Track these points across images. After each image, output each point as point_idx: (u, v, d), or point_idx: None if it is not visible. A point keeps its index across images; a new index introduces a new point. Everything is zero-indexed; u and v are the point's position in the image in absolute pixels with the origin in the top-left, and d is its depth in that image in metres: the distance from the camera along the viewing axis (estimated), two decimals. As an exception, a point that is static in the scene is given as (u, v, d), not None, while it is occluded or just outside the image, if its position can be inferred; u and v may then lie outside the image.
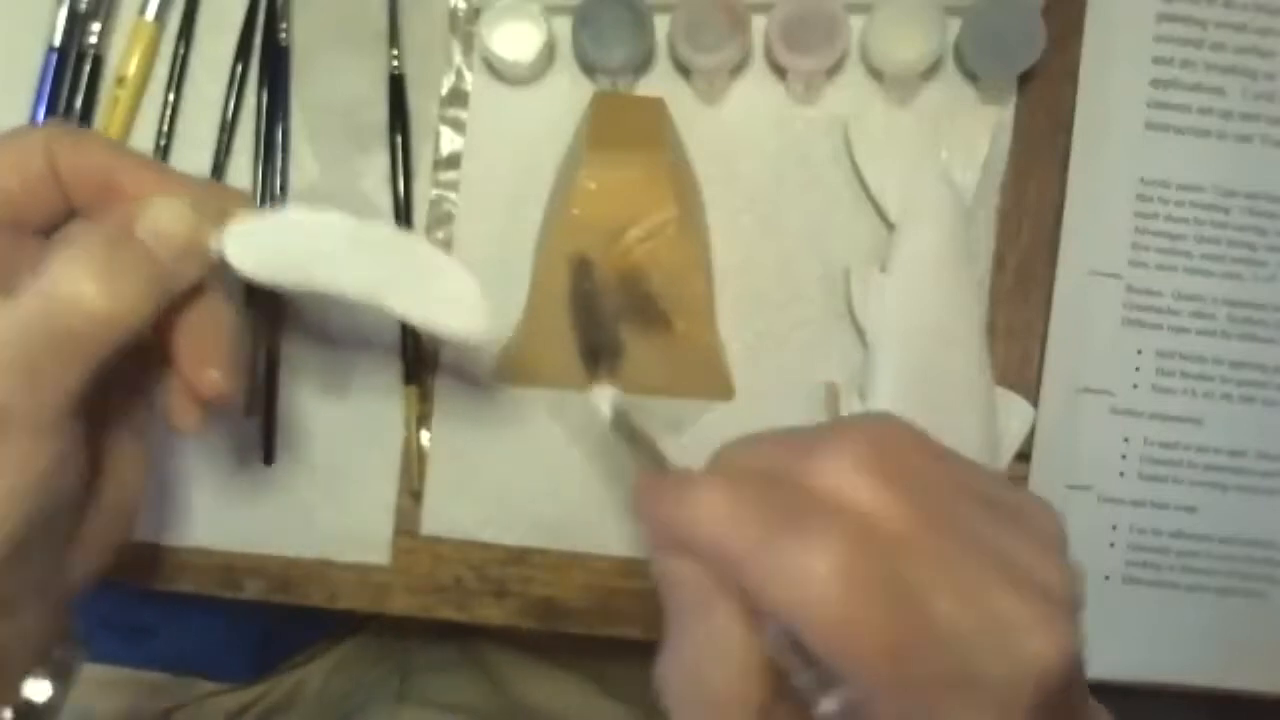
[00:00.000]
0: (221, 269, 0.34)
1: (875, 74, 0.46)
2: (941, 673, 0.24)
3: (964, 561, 0.25)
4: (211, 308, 0.34)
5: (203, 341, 0.34)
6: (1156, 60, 0.46)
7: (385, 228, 0.34)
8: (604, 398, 0.34)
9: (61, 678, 0.36)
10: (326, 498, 0.46)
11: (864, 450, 0.26)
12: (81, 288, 0.30)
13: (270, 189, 0.47)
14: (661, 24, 0.45)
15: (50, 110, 0.47)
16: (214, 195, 0.34)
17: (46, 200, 0.33)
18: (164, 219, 0.32)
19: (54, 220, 0.34)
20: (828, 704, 0.25)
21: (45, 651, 0.35)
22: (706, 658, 0.26)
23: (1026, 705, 0.24)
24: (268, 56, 0.47)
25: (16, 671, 0.34)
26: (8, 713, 0.34)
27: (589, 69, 0.46)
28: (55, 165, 0.33)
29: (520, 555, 0.46)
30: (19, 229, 0.33)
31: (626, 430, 0.33)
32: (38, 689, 0.35)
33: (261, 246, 0.33)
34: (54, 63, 0.47)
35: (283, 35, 0.47)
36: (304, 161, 0.47)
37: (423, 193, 0.47)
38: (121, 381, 0.35)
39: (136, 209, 0.32)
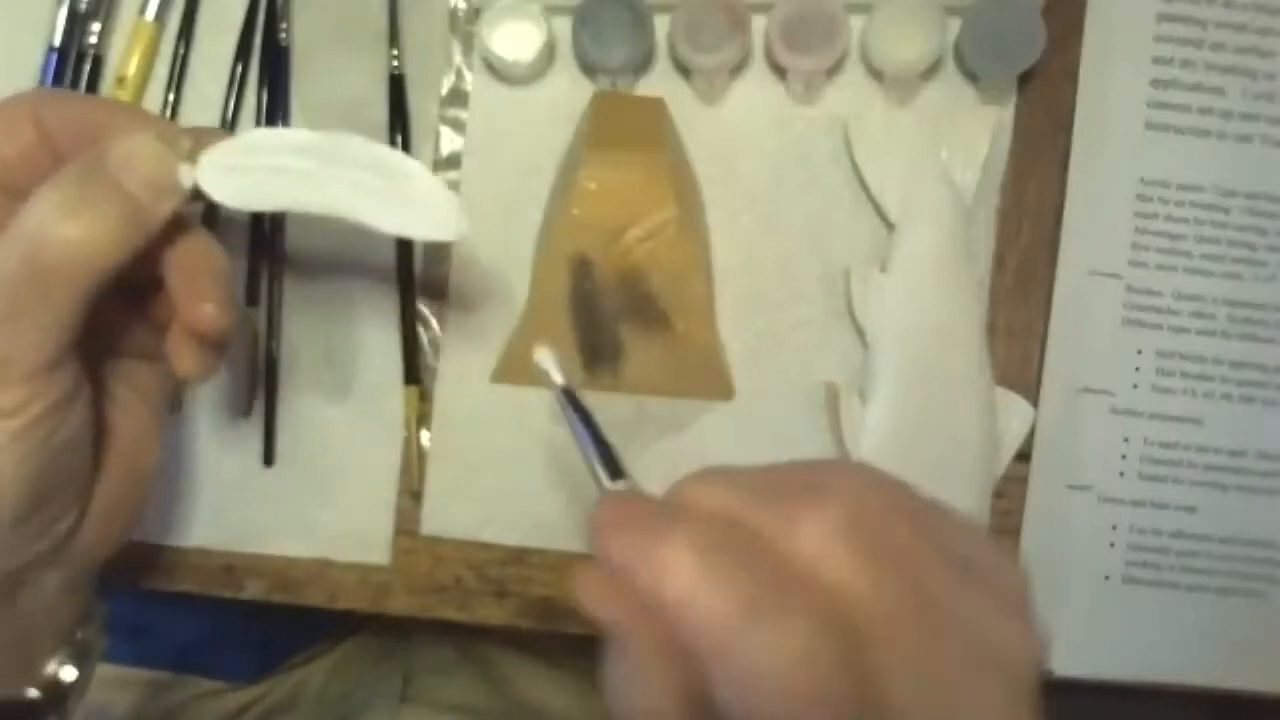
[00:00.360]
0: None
1: (875, 74, 0.46)
2: None
3: (932, 645, 0.25)
4: (199, 245, 0.34)
5: (194, 278, 0.34)
6: (1156, 60, 0.46)
7: (354, 139, 0.34)
8: (549, 360, 0.34)
9: (85, 660, 0.36)
10: (326, 498, 0.46)
11: (844, 517, 0.25)
12: (54, 223, 0.30)
13: (270, 189, 0.47)
14: (661, 24, 0.45)
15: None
16: (189, 132, 0.34)
17: (40, 163, 0.33)
18: (132, 150, 0.32)
19: (35, 171, 0.34)
20: None
21: (69, 631, 0.35)
22: (638, 682, 0.26)
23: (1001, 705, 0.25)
24: (268, 56, 0.47)
25: (43, 648, 0.35)
26: (33, 692, 0.34)
27: (589, 69, 0.46)
28: (45, 127, 0.33)
29: (520, 555, 0.46)
30: (17, 195, 0.33)
31: (574, 404, 0.33)
32: (63, 670, 0.35)
33: (233, 171, 0.34)
34: (54, 63, 0.47)
35: (283, 35, 0.47)
36: (304, 161, 0.47)
37: (423, 193, 0.47)
38: (129, 343, 0.36)
39: (104, 145, 0.32)
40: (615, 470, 0.31)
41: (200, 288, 0.34)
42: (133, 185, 0.32)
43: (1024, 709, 0.26)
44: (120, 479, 0.36)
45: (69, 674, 0.35)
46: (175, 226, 0.33)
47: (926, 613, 0.25)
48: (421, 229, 0.35)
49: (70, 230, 0.30)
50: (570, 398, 0.33)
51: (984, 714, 0.25)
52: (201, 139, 0.34)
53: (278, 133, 0.35)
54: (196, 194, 0.33)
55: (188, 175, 0.33)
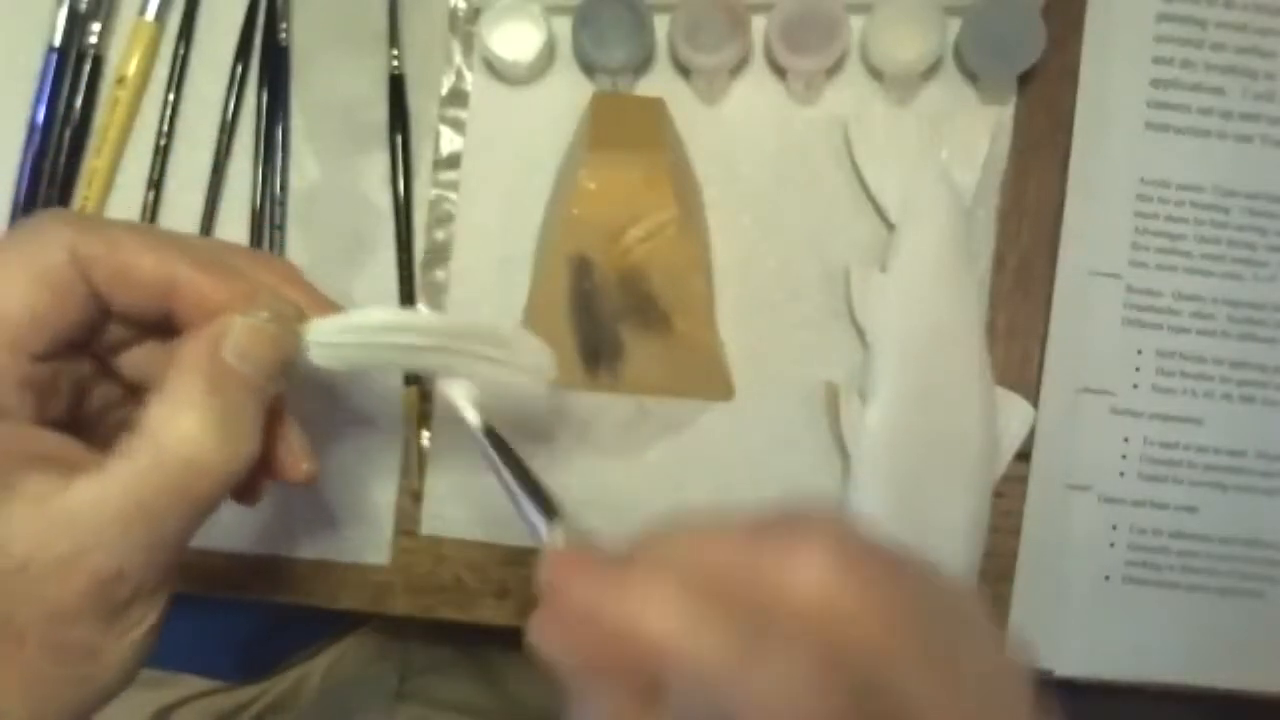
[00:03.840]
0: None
1: (875, 74, 0.46)
2: None
3: (929, 674, 0.24)
4: (281, 398, 0.33)
5: (280, 434, 0.33)
6: (1156, 60, 0.46)
7: (470, 320, 0.35)
8: (460, 392, 0.33)
9: None
10: (326, 498, 0.46)
11: (832, 552, 0.24)
12: (197, 445, 0.29)
13: (270, 189, 0.47)
14: (661, 24, 0.45)
15: (50, 110, 0.47)
16: (284, 289, 0.33)
17: (78, 312, 0.30)
18: (252, 342, 0.30)
19: (87, 332, 0.32)
20: None
21: None
22: None
23: None
24: (268, 56, 0.47)
25: None
26: None
27: (589, 69, 0.46)
28: (87, 271, 0.30)
29: (520, 555, 0.46)
30: (55, 349, 0.30)
31: (495, 444, 0.32)
32: None
33: (343, 347, 0.33)
34: (54, 63, 0.47)
35: (283, 35, 0.47)
36: (304, 161, 0.47)
37: (423, 193, 0.47)
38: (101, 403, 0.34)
39: (220, 335, 0.30)
40: (550, 509, 0.30)
41: (293, 445, 0.33)
42: (257, 378, 0.30)
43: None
44: None
45: None
46: None
47: (924, 632, 0.24)
48: (522, 383, 0.36)
49: (213, 450, 0.29)
50: (491, 437, 0.32)
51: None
52: (299, 300, 0.32)
53: (386, 313, 0.33)
54: None
55: (301, 349, 0.32)
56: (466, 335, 0.34)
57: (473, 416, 0.33)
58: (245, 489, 0.34)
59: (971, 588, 0.27)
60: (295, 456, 0.33)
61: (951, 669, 0.24)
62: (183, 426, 0.29)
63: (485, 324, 0.35)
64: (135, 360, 0.34)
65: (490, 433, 0.32)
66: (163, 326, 0.32)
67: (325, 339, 0.32)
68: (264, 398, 0.31)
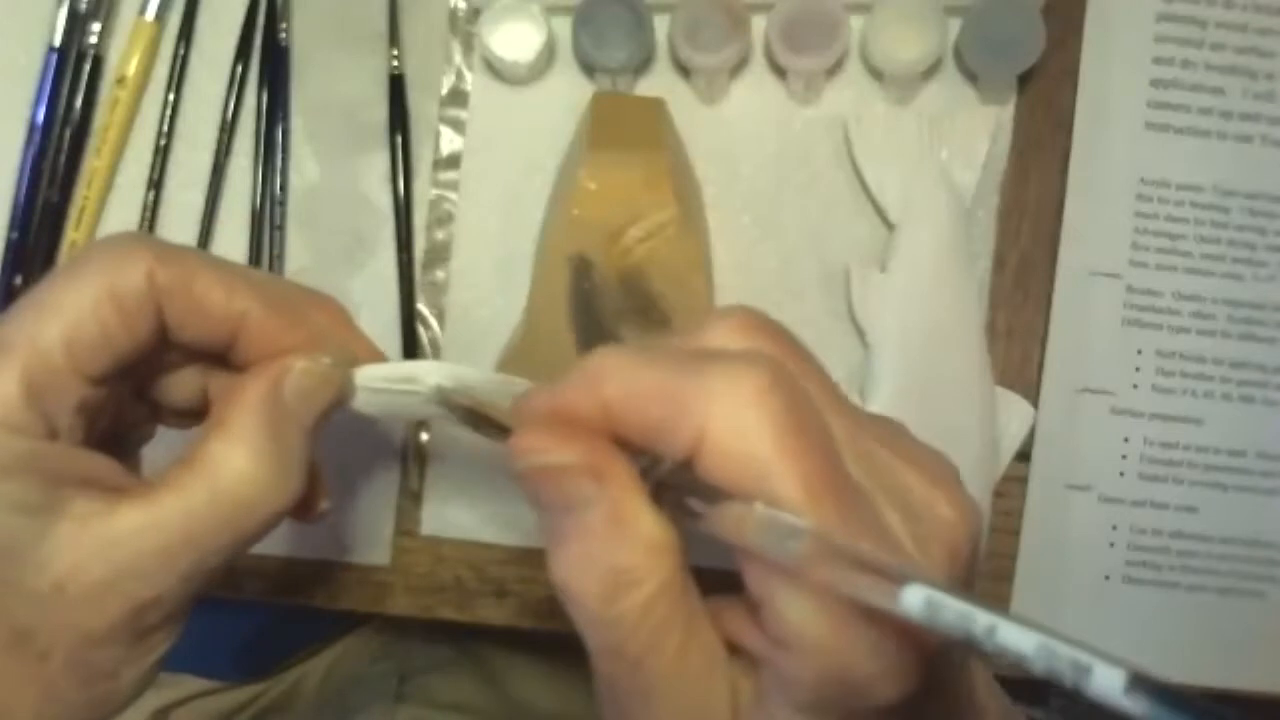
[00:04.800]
0: None
1: (875, 74, 0.46)
2: (863, 516, 0.23)
3: (865, 434, 0.24)
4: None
5: (312, 471, 0.33)
6: (1156, 60, 0.46)
7: (495, 378, 0.33)
8: (430, 371, 0.32)
9: None
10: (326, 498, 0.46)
11: (741, 314, 0.26)
12: (253, 486, 0.29)
13: (270, 189, 0.47)
14: (661, 24, 0.45)
15: (50, 110, 0.47)
16: (336, 331, 0.33)
17: (142, 337, 0.30)
18: (313, 387, 0.31)
19: (144, 357, 0.31)
20: (755, 535, 0.22)
21: None
22: (604, 538, 0.24)
23: (943, 570, 0.23)
24: (268, 56, 0.47)
25: None
26: None
27: (589, 69, 0.46)
28: (160, 298, 0.30)
29: (520, 555, 0.46)
30: (115, 372, 0.30)
31: (463, 414, 0.32)
32: None
33: (387, 394, 0.33)
34: (54, 63, 0.47)
35: (283, 35, 0.47)
36: (304, 161, 0.47)
37: (423, 193, 0.47)
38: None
39: (282, 377, 0.30)
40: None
41: (318, 485, 0.33)
42: (311, 422, 0.30)
43: (973, 502, 0.24)
44: None
45: None
46: None
47: (854, 417, 0.24)
48: None
49: (266, 487, 0.29)
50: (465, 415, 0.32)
51: (937, 501, 0.24)
52: (350, 344, 0.33)
53: (432, 368, 0.33)
54: None
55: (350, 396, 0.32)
56: (505, 393, 0.34)
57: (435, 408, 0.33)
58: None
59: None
60: (316, 495, 0.33)
61: (853, 413, 0.24)
62: (241, 466, 0.29)
63: (515, 383, 0.34)
64: (175, 386, 0.34)
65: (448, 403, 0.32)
66: (211, 356, 0.32)
67: (372, 385, 0.33)
68: (312, 439, 0.31)
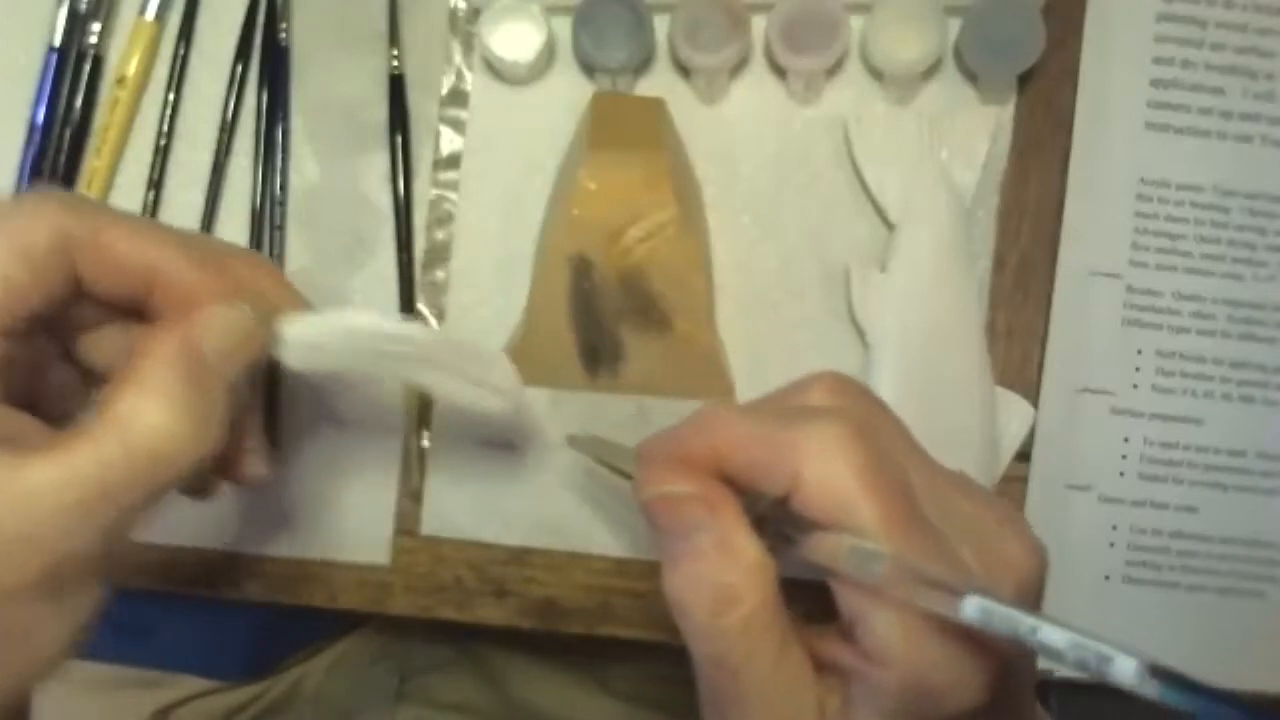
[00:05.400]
0: None
1: (875, 74, 0.46)
2: (935, 544, 0.27)
3: (943, 480, 0.29)
4: (248, 398, 0.33)
5: (242, 431, 0.33)
6: (1156, 60, 0.46)
7: (433, 331, 0.35)
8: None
9: None
10: (326, 498, 0.46)
11: (831, 379, 0.30)
12: (168, 436, 0.28)
13: (270, 189, 0.47)
14: (661, 24, 0.45)
15: (50, 110, 0.47)
16: (264, 286, 0.32)
17: (53, 289, 0.30)
18: (231, 334, 0.30)
19: (58, 310, 0.31)
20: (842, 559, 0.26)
21: None
22: (713, 560, 0.27)
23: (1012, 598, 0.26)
24: (268, 56, 0.47)
25: None
26: None
27: (589, 69, 0.46)
28: (68, 249, 0.30)
29: (520, 555, 0.46)
30: (25, 325, 0.30)
31: (591, 449, 0.37)
32: None
33: (312, 347, 0.33)
34: (54, 63, 0.47)
35: (283, 35, 0.47)
36: (304, 161, 0.47)
37: (423, 193, 0.47)
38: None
39: (198, 328, 0.30)
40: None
41: (252, 445, 0.33)
42: (231, 373, 0.30)
43: (1040, 543, 0.29)
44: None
45: None
46: None
47: (931, 466, 0.29)
48: (487, 406, 0.36)
49: (182, 438, 0.28)
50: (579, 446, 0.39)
51: (1008, 539, 0.28)
52: (275, 296, 0.32)
53: (361, 317, 0.33)
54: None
55: (272, 345, 0.32)
56: (445, 349, 0.35)
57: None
58: (200, 485, 0.34)
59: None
60: (250, 456, 0.33)
61: (935, 468, 0.29)
62: (155, 417, 0.28)
63: (464, 341, 0.36)
64: (98, 344, 0.33)
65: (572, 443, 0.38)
66: (133, 312, 0.32)
67: (301, 339, 0.32)
68: (234, 392, 0.30)
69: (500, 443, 0.46)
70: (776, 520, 0.28)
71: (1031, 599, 0.28)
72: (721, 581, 0.27)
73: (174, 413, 0.28)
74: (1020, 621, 0.24)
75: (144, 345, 0.30)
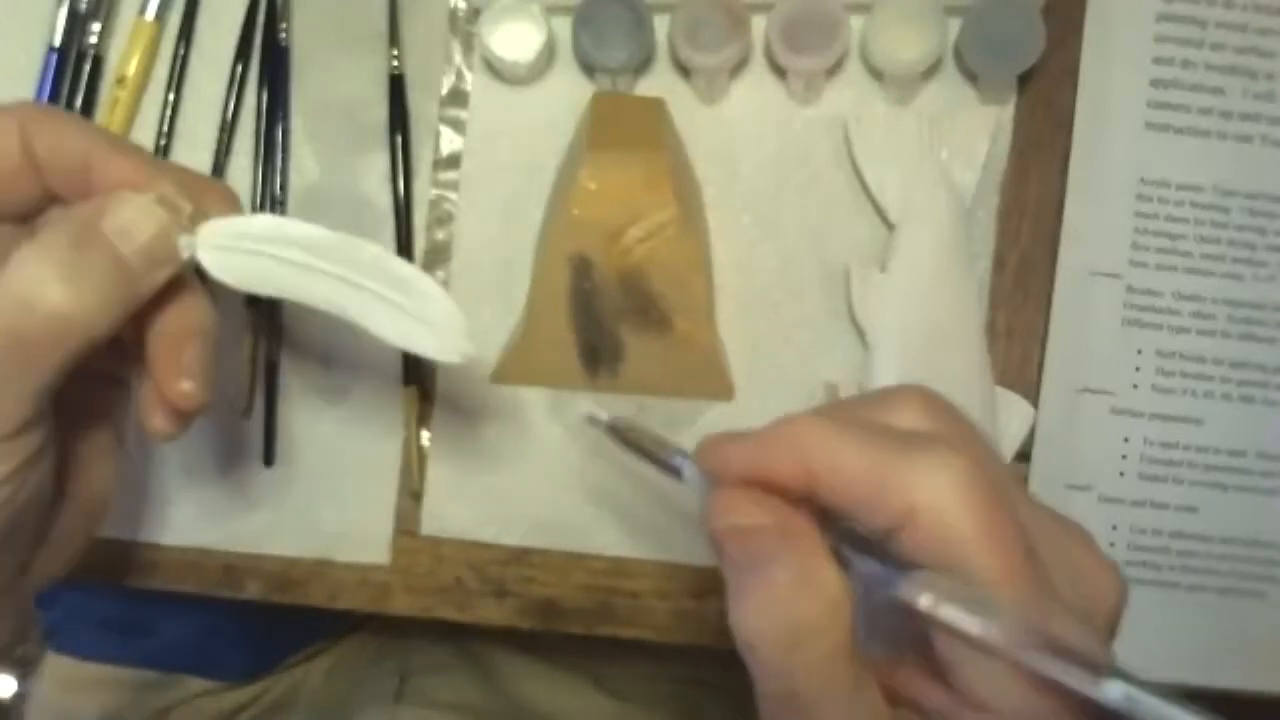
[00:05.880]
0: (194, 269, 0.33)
1: (875, 74, 0.46)
2: (1048, 590, 0.25)
3: (1043, 515, 0.27)
4: (187, 311, 0.32)
5: (176, 347, 0.32)
6: (1156, 60, 0.46)
7: (371, 247, 0.33)
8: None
9: (25, 673, 0.35)
10: (326, 498, 0.46)
11: (921, 397, 0.28)
12: (41, 290, 0.29)
13: (270, 189, 0.47)
14: (661, 24, 0.45)
15: (50, 110, 0.47)
16: (192, 189, 0.32)
17: (23, 186, 0.32)
18: (132, 216, 0.30)
19: (33, 207, 0.33)
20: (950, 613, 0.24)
21: (8, 648, 0.34)
22: (789, 593, 0.25)
23: (1105, 631, 0.26)
24: (268, 56, 0.47)
25: None
26: None
27: (589, 69, 0.46)
28: (32, 148, 0.31)
29: (520, 555, 0.46)
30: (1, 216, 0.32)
31: (626, 438, 0.33)
32: (2, 685, 0.33)
33: (234, 252, 0.32)
34: (54, 63, 0.47)
35: (283, 35, 0.47)
36: (304, 161, 0.47)
37: (423, 193, 0.47)
38: (96, 373, 0.34)
39: (103, 203, 0.30)
40: (679, 452, 0.31)
41: (181, 360, 0.32)
42: (129, 253, 0.30)
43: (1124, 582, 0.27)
44: (77, 509, 0.34)
45: (8, 688, 0.34)
46: (165, 288, 0.32)
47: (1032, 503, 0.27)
48: (426, 347, 0.33)
49: (60, 301, 0.29)
50: (614, 432, 0.33)
51: (1101, 574, 0.28)
52: (203, 204, 0.32)
53: (288, 224, 0.33)
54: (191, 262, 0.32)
55: (187, 246, 0.31)
56: (368, 269, 0.32)
57: (601, 414, 0.33)
58: (145, 410, 0.33)
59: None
60: (179, 372, 0.32)
61: (1053, 525, 0.27)
62: (30, 269, 0.29)
63: (394, 264, 0.33)
64: None
65: (613, 428, 0.33)
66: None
67: (216, 242, 0.32)
68: (131, 275, 0.30)
69: (500, 442, 0.46)
70: (856, 547, 0.26)
71: (1115, 628, 0.28)
72: (799, 616, 0.25)
73: (48, 264, 0.29)
74: (1170, 715, 0.23)
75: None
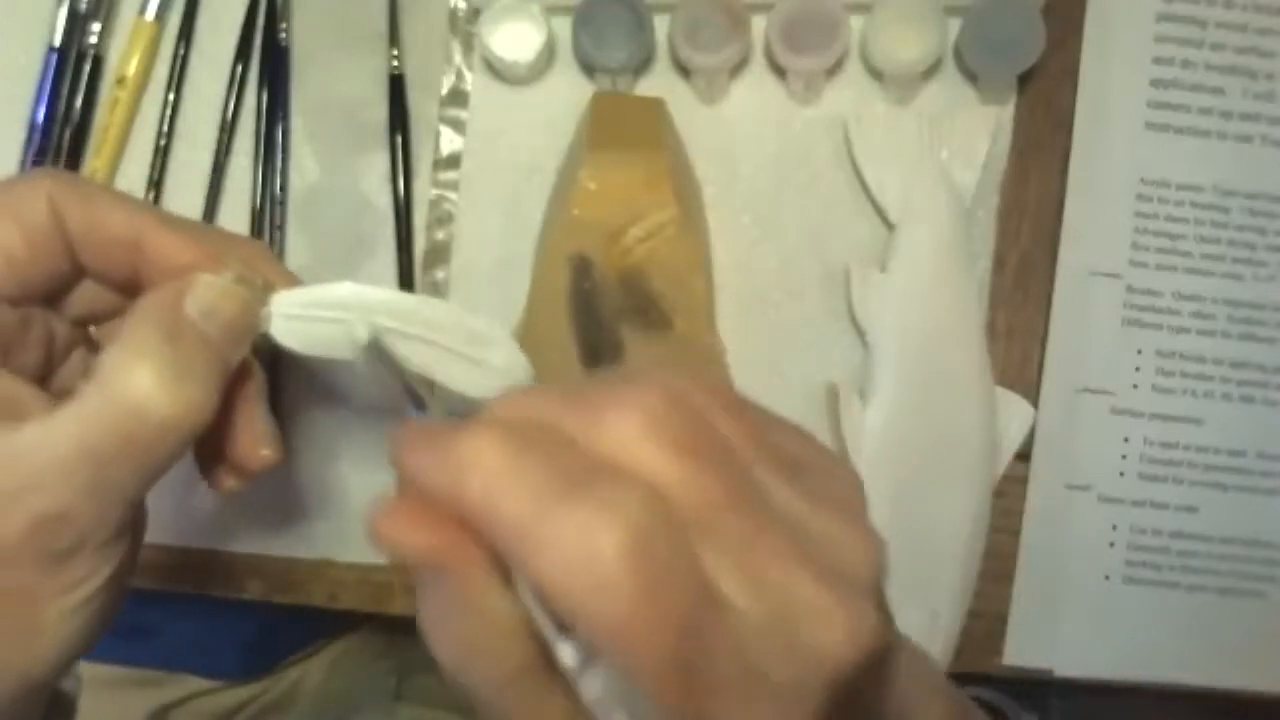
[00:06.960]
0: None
1: (875, 74, 0.46)
2: (727, 674, 0.21)
3: (759, 540, 0.22)
4: (247, 376, 0.32)
5: (246, 414, 0.32)
6: (1156, 60, 0.46)
7: (442, 305, 0.33)
8: (345, 291, 0.32)
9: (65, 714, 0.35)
10: (326, 498, 0.46)
11: (658, 410, 0.22)
12: (146, 391, 0.28)
13: (270, 189, 0.47)
14: (661, 24, 0.45)
15: (50, 110, 0.47)
16: (253, 261, 0.32)
17: (53, 262, 0.31)
18: (216, 299, 0.30)
19: (61, 285, 0.32)
20: (590, 687, 0.22)
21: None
22: (458, 614, 0.23)
23: (813, 708, 0.22)
24: (268, 56, 0.47)
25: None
26: None
27: (589, 69, 0.46)
28: (62, 222, 0.31)
29: (520, 555, 0.46)
30: (26, 297, 0.31)
31: (380, 354, 0.32)
32: None
33: (304, 320, 0.32)
34: (54, 63, 0.47)
35: (283, 35, 0.47)
36: (304, 161, 0.47)
37: (423, 193, 0.47)
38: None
39: (183, 289, 0.30)
40: (419, 403, 0.30)
41: (255, 428, 0.32)
42: (218, 338, 0.30)
43: (869, 617, 0.22)
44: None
45: None
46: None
47: (755, 505, 0.22)
48: (490, 388, 0.33)
49: (165, 403, 0.28)
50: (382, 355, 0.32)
51: (826, 618, 0.22)
52: (266, 271, 0.32)
53: (368, 290, 0.32)
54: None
55: (264, 319, 0.31)
56: (441, 326, 0.33)
57: (362, 332, 0.32)
58: (211, 468, 0.33)
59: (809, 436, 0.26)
60: (256, 440, 0.32)
61: (777, 547, 0.22)
62: (133, 373, 0.28)
63: (464, 316, 0.33)
64: (111, 328, 0.34)
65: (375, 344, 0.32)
66: (136, 291, 0.32)
67: (290, 311, 0.32)
68: (223, 361, 0.30)
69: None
70: None
71: (869, 602, 0.22)
72: (464, 634, 0.23)
73: (153, 367, 0.28)
74: None
75: (131, 310, 0.30)
